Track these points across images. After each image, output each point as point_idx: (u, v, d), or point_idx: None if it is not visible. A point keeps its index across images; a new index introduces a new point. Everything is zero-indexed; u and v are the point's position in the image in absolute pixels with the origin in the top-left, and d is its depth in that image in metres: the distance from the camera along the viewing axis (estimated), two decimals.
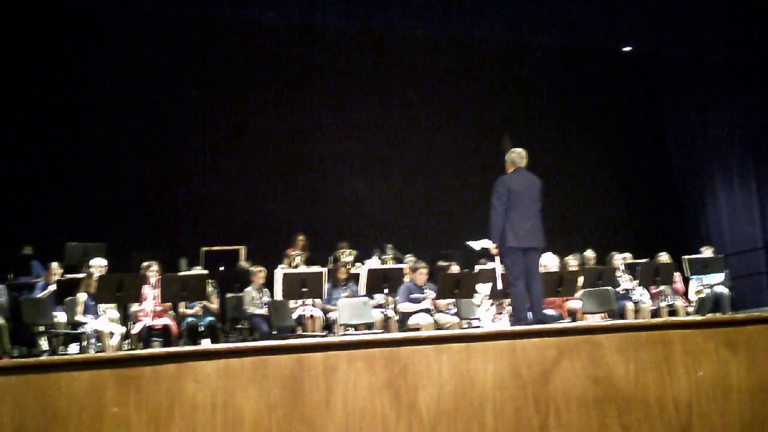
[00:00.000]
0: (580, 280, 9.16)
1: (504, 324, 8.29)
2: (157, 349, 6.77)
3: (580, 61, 13.83)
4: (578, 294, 9.16)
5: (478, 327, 8.54)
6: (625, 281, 9.84)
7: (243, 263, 9.99)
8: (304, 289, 8.25)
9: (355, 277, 9.41)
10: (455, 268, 9.59)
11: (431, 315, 8.43)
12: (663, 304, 9.75)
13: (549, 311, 8.44)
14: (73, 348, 8.22)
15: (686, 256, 10.45)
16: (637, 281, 9.73)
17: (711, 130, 13.97)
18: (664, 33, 12.06)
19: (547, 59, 13.73)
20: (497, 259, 7.22)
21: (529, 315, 6.78)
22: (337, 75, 13.12)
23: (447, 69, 13.60)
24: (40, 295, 8.70)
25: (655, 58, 14.39)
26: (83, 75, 11.49)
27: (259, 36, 12.36)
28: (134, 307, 8.34)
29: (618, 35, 12.07)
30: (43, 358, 7.22)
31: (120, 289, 7.52)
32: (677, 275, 10.03)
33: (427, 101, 13.58)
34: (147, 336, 8.09)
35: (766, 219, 13.32)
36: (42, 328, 8.24)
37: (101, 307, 8.09)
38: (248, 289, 8.86)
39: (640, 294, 9.80)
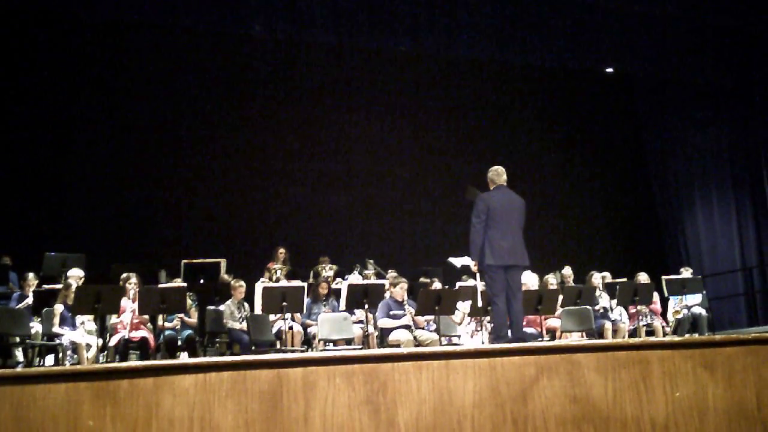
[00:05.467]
0: (560, 298, 9.20)
1: (481, 340, 8.31)
2: (134, 363, 6.70)
3: (562, 81, 13.97)
4: (557, 312, 9.20)
5: (458, 344, 8.54)
6: (604, 300, 9.89)
7: (224, 276, 9.94)
8: (284, 304, 8.22)
9: (336, 292, 9.39)
10: (437, 285, 9.60)
11: (411, 331, 8.42)
12: (641, 323, 9.80)
13: (528, 329, 8.46)
14: (49, 360, 8.11)
15: (665, 277, 10.53)
16: (616, 300, 9.78)
17: (690, 152, 14.15)
18: (646, 55, 12.23)
19: (529, 78, 13.86)
20: (478, 276, 7.23)
21: (509, 333, 6.78)
22: (321, 89, 13.16)
23: (431, 86, 13.69)
24: (17, 307, 8.59)
25: (637, 80, 14.57)
26: (64, 86, 11.44)
27: (245, 50, 12.40)
28: (112, 319, 8.26)
29: (600, 56, 12.22)
30: (19, 369, 7.14)
31: (98, 301, 7.43)
32: (655, 295, 10.09)
33: (410, 118, 13.65)
34: (124, 348, 8.01)
35: (744, 240, 13.47)
36: (17, 339, 8.14)
37: (79, 318, 8.00)
38: (228, 302, 8.81)
39: (619, 313, 9.86)
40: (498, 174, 7.04)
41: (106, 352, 8.14)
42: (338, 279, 10.38)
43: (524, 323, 7.58)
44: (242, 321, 8.66)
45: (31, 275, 8.96)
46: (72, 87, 11.49)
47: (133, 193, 11.69)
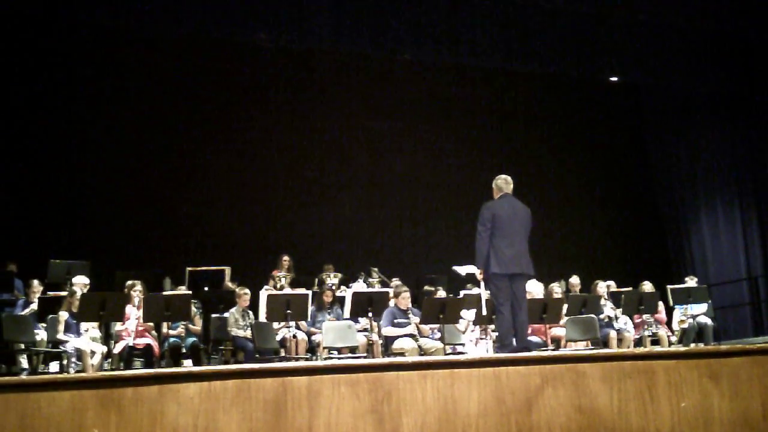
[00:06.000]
0: (565, 307, 9.18)
1: (485, 348, 8.29)
2: (139, 370, 6.71)
3: (566, 90, 13.96)
4: (562, 321, 9.17)
5: (463, 353, 8.52)
6: (609, 309, 9.86)
7: (228, 284, 9.93)
8: (288, 311, 8.22)
9: (341, 300, 9.38)
10: (442, 293, 9.58)
11: (415, 340, 8.41)
12: (646, 333, 9.76)
13: (533, 338, 8.44)
14: (54, 366, 8.12)
15: (670, 286, 10.50)
16: (621, 309, 9.75)
17: (695, 161, 14.12)
18: (650, 64, 12.22)
19: (534, 87, 13.86)
20: (482, 284, 7.21)
21: (514, 341, 6.76)
22: (325, 98, 13.17)
23: (435, 94, 13.69)
24: (22, 313, 8.60)
25: (642, 89, 14.55)
26: (70, 95, 11.47)
27: (249, 58, 12.42)
28: (117, 327, 8.26)
29: (605, 65, 12.21)
30: (24, 377, 7.14)
31: (103, 308, 7.44)
32: (660, 304, 10.05)
33: (415, 125, 13.65)
34: (129, 356, 8.01)
35: (750, 249, 13.42)
36: (22, 346, 8.15)
37: (83, 326, 8.00)
38: (232, 310, 8.81)
39: (624, 322, 9.82)
40: (506, 182, 7.02)
41: (110, 360, 8.14)
42: (342, 287, 10.37)
43: (529, 332, 7.56)
44: (246, 329, 8.66)
45: (36, 282, 8.96)
46: (77, 95, 11.51)
47: (138, 200, 11.70)
